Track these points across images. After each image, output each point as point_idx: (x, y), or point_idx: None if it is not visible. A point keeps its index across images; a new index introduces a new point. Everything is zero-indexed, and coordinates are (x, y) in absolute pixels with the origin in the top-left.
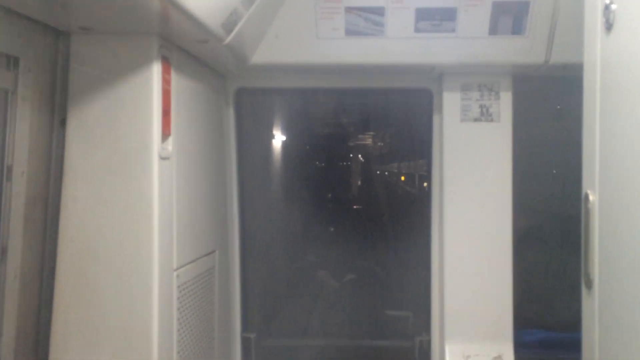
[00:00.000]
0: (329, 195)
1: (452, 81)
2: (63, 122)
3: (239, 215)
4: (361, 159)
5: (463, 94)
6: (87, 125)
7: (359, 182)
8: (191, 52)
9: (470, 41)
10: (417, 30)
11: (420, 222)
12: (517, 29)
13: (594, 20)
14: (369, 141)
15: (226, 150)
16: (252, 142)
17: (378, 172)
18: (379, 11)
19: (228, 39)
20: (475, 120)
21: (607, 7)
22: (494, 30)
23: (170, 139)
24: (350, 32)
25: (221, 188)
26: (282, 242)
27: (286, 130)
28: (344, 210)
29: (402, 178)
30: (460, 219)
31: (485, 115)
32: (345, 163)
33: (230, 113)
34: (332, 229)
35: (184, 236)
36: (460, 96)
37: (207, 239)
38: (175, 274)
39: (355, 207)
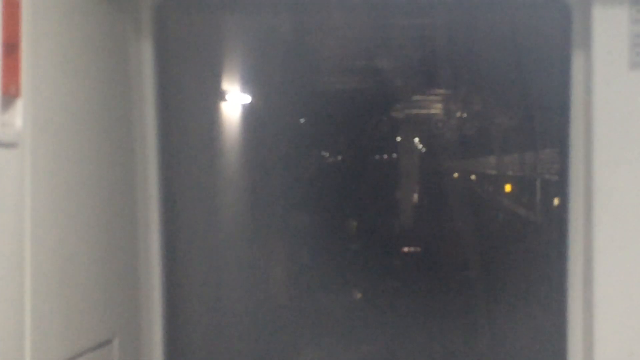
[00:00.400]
0: (350, 223)
1: None
2: None
3: (163, 267)
4: (418, 147)
5: (635, 9)
6: None
7: (415, 196)
8: None
9: None
10: None
11: (550, 278)
12: None
13: None
14: (436, 110)
15: (137, 124)
16: (188, 106)
17: (455, 176)
18: None
19: None
20: None
21: None
22: None
23: (20, 105)
24: None
25: (128, 207)
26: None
27: (256, 83)
28: (382, 257)
29: (508, 187)
30: (629, 266)
31: None
32: (382, 156)
33: (145, 50)
34: (357, 299)
35: (46, 321)
36: (629, 14)
37: (97, 319)
38: None
39: (406, 249)
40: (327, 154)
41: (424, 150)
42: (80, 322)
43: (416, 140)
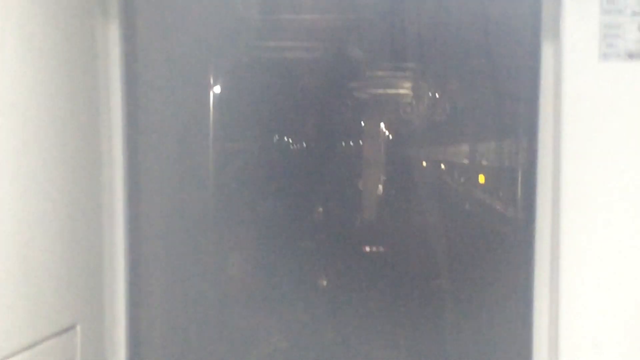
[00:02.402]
0: (313, 216)
1: None
2: None
3: (127, 253)
4: (385, 133)
5: (608, 2)
6: None
7: (382, 189)
8: None
9: None
10: None
11: (516, 270)
12: None
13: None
14: (405, 93)
15: (104, 107)
16: (156, 89)
17: (424, 165)
18: None
19: None
20: (633, 56)
21: None
22: None
23: None
24: None
25: (91, 192)
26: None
27: (223, 66)
28: (346, 254)
29: (482, 178)
30: (595, 259)
31: None
32: (347, 143)
33: (112, 31)
34: (319, 295)
35: (7, 307)
36: (599, 4)
37: (59, 305)
38: None
39: (369, 249)
40: (289, 141)
41: (389, 136)
42: (43, 308)
43: (381, 125)
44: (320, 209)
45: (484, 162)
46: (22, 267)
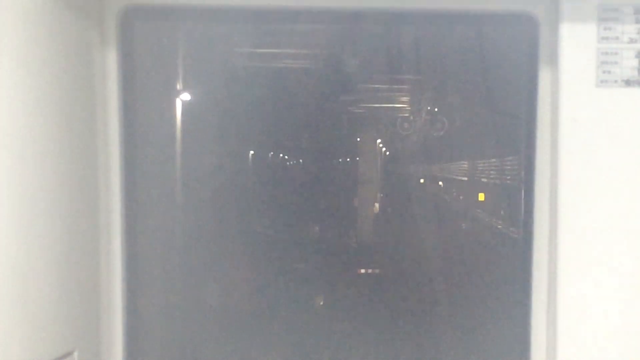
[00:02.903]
0: (307, 235)
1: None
2: None
3: (124, 279)
4: (381, 149)
5: (603, 27)
6: None
7: (377, 207)
8: None
9: None
10: None
11: (513, 291)
12: None
13: None
14: (403, 110)
15: (101, 132)
16: (152, 114)
17: (421, 182)
18: None
19: None
20: (630, 83)
21: None
22: None
23: None
24: None
25: (89, 217)
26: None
27: (220, 90)
28: (342, 272)
29: (481, 197)
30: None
31: None
32: (342, 159)
33: (110, 58)
34: (316, 308)
35: (5, 334)
36: (597, 31)
37: (57, 331)
38: None
39: (363, 271)
40: (286, 159)
41: (385, 152)
42: (40, 335)
43: (378, 141)
44: (316, 227)
45: (483, 181)
46: (20, 294)
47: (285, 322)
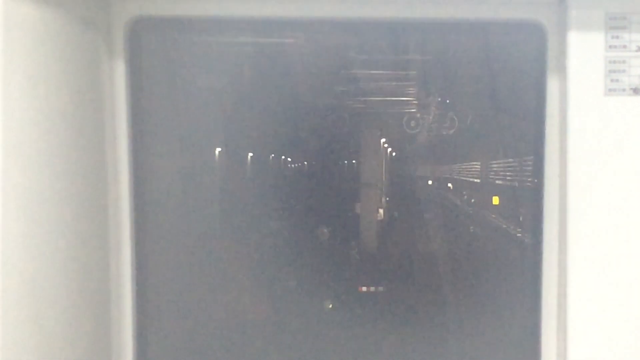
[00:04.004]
0: (315, 235)
1: (587, 8)
2: None
3: (135, 293)
4: (388, 149)
5: (611, 35)
6: None
7: (383, 213)
8: None
9: None
10: None
11: (524, 296)
12: None
13: None
14: (405, 130)
15: (110, 143)
16: (161, 125)
17: (430, 183)
18: None
19: None
20: (638, 91)
21: None
22: None
23: None
24: None
25: (99, 228)
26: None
27: (227, 99)
28: (350, 276)
29: (495, 200)
30: (600, 287)
31: None
32: (350, 161)
33: (118, 69)
34: (325, 309)
35: (16, 348)
36: (605, 40)
37: (67, 343)
38: None
39: (365, 288)
40: (291, 163)
41: (393, 153)
42: (50, 342)
43: (384, 142)
44: (324, 229)
45: (503, 180)
46: (30, 302)
47: (298, 324)
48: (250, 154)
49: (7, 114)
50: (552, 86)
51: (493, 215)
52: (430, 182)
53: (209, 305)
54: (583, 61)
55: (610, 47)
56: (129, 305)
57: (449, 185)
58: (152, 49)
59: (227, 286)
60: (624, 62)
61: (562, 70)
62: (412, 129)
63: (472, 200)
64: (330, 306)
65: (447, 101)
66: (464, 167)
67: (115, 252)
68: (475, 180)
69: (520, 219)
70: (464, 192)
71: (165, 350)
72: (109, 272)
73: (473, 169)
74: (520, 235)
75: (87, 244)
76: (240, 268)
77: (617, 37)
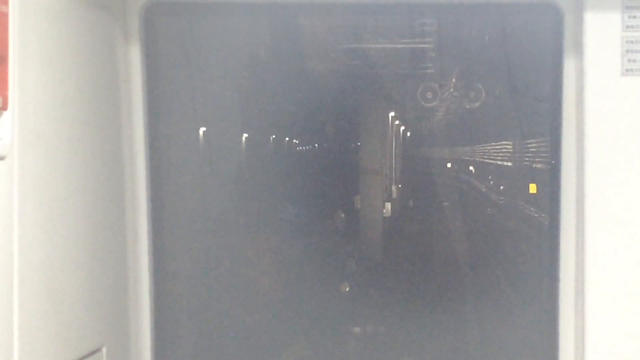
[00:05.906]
0: (333, 218)
1: None
2: None
3: (152, 274)
4: (404, 133)
5: (627, 15)
6: None
7: (398, 193)
8: None
9: None
10: None
11: (541, 283)
12: None
13: None
14: (422, 113)
15: (126, 130)
16: (177, 110)
17: (448, 166)
18: None
19: None
20: None
21: None
22: None
23: (8, 118)
24: None
25: (116, 215)
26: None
27: (244, 84)
28: (369, 258)
29: (533, 189)
30: (619, 270)
31: None
32: (367, 143)
33: (133, 55)
34: (343, 298)
35: (35, 330)
36: (621, 20)
37: (85, 328)
38: None
39: (384, 261)
40: (309, 147)
41: (409, 137)
42: (70, 331)
43: (401, 127)
44: (341, 213)
45: (520, 162)
46: (50, 291)
47: (314, 324)
48: (272, 137)
49: (24, 98)
50: (569, 67)
51: (506, 198)
52: (449, 168)
53: (225, 297)
54: (600, 41)
55: (627, 27)
56: (147, 295)
57: (471, 169)
58: (166, 33)
59: (244, 280)
60: None
61: (578, 50)
62: (429, 103)
63: (501, 185)
64: (347, 289)
65: (464, 83)
66: (471, 168)
67: (132, 237)
68: (475, 179)
69: (537, 204)
70: (489, 178)
71: (183, 339)
72: (126, 259)
73: (477, 169)
74: (531, 227)
75: (104, 230)
76: (259, 256)
77: (635, 16)
